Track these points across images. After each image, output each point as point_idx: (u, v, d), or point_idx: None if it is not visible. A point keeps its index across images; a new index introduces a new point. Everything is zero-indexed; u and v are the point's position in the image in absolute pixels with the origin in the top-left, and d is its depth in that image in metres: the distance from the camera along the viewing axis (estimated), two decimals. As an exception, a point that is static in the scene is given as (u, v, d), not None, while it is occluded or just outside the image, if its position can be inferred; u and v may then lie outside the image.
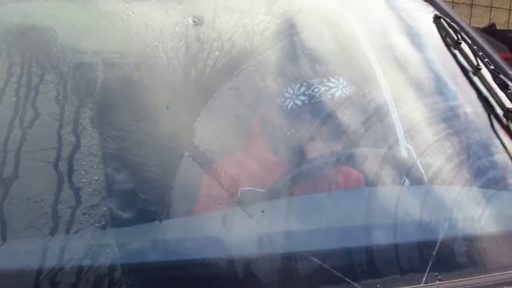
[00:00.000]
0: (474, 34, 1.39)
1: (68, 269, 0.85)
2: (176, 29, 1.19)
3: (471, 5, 5.22)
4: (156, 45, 1.17)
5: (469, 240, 1.05)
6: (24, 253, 0.89)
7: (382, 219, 1.06)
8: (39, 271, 0.85)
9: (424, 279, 0.93)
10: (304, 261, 0.93)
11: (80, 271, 0.85)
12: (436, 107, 1.26)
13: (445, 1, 1.45)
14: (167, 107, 1.09)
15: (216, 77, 1.19)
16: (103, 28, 1.19)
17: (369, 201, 1.14)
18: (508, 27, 5.08)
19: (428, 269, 0.94)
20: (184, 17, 1.20)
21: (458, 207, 1.11)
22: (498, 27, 4.77)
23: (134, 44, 1.19)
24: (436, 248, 0.97)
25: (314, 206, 1.09)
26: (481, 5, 5.26)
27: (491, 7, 5.23)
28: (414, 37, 1.38)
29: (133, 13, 1.18)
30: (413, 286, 0.91)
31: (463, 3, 5.19)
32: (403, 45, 1.34)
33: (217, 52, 1.20)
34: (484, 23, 4.91)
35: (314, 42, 1.30)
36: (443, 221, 1.04)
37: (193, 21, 1.19)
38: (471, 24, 4.88)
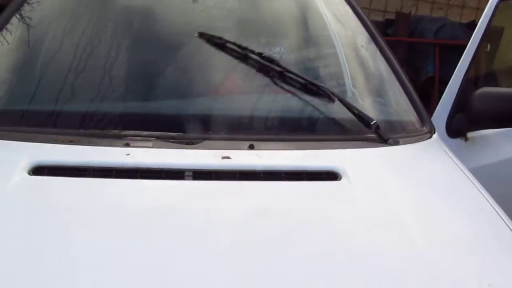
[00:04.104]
0: (369, 23, 2.09)
1: (124, 110, 1.59)
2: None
3: (462, 7, 6.32)
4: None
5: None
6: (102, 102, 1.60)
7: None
8: (111, 112, 1.57)
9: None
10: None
11: (133, 112, 1.58)
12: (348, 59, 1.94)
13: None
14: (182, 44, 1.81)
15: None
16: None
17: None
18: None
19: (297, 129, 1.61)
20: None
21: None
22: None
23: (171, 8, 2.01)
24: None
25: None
26: (470, 7, 6.32)
27: (478, 8, 6.18)
28: (340, 20, 2.14)
29: None
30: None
31: (456, 5, 6.33)
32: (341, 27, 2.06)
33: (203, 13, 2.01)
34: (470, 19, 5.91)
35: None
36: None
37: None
38: (462, 20, 6.04)
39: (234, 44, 1.75)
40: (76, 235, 1.10)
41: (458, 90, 2.03)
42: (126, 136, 1.48)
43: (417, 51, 5.45)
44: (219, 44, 1.76)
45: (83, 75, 1.66)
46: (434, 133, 1.79)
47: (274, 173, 1.37)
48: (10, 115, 1.60)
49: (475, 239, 1.27)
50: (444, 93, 2.05)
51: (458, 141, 2.00)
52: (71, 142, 1.43)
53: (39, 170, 1.30)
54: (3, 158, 1.36)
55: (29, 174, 1.29)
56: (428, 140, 1.73)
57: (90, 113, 1.58)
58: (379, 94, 1.83)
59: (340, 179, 1.37)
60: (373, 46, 2.01)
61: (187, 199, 1.25)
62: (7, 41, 1.77)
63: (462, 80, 2.05)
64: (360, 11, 2.13)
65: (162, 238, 1.10)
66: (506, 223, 1.32)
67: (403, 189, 1.40)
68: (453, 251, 1.20)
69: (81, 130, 1.49)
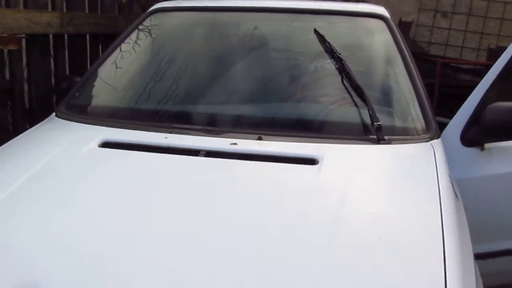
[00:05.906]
0: (404, 46, 2.42)
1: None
2: (250, 32, 2.60)
3: None
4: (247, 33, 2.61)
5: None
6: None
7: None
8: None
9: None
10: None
11: (180, 111, 2.17)
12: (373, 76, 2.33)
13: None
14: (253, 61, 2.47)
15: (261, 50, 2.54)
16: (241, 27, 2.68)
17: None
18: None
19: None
20: (251, 27, 2.60)
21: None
22: None
23: (243, 30, 2.64)
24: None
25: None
26: None
27: None
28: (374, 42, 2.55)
29: (244, 20, 2.67)
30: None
31: None
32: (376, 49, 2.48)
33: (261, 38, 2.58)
34: None
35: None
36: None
37: (253, 28, 2.60)
38: None
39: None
40: (118, 183, 1.65)
41: (478, 104, 2.23)
42: (172, 127, 2.03)
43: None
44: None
45: (149, 85, 2.30)
46: (437, 139, 2.02)
47: (265, 156, 1.80)
48: (100, 109, 2.30)
49: (394, 227, 1.42)
50: (462, 105, 2.26)
51: (473, 150, 2.20)
52: (134, 129, 2.02)
53: (106, 144, 1.90)
54: (86, 135, 1.99)
55: (98, 146, 1.89)
56: (422, 143, 1.96)
57: (152, 111, 2.19)
58: (392, 102, 2.15)
59: (315, 164, 1.74)
60: (398, 63, 2.33)
61: (195, 168, 1.75)
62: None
63: (483, 95, 2.24)
64: (397, 35, 2.46)
65: (170, 190, 1.61)
66: (441, 231, 1.39)
67: (362, 178, 1.66)
68: (371, 231, 1.39)
69: (143, 122, 2.08)
